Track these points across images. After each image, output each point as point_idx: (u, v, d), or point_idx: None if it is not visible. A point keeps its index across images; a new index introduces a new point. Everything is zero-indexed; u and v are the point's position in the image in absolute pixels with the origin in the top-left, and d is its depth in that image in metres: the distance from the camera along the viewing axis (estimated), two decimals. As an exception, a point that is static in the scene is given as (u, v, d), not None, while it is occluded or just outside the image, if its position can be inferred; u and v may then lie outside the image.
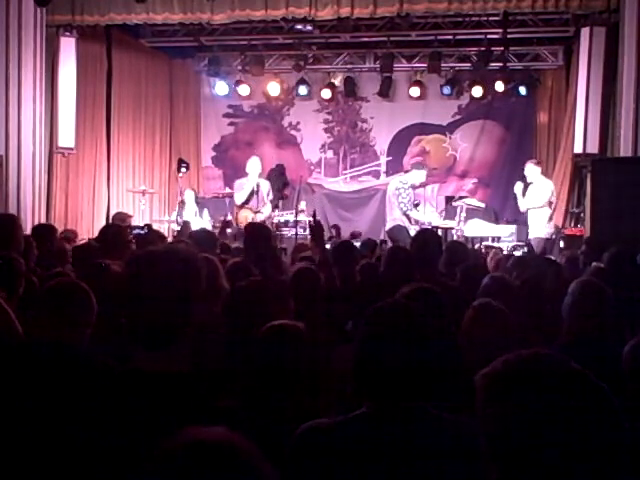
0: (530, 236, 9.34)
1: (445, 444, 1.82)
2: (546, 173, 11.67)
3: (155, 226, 9.42)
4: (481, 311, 2.87)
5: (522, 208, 9.44)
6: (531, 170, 9.45)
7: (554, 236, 9.63)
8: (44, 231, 5.52)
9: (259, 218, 9.42)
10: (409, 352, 1.86)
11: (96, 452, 1.63)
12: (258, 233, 5.08)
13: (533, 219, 9.31)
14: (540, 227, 9.27)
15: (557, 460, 1.17)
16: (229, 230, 10.34)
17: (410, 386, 1.85)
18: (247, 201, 9.63)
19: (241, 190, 9.69)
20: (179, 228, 9.54)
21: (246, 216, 9.62)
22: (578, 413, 1.18)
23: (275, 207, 10.39)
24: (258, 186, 9.64)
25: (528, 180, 9.45)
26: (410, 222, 9.31)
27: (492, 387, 1.25)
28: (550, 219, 9.44)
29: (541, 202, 9.27)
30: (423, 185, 10.77)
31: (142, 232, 6.53)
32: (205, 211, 10.78)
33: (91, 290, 2.91)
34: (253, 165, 9.74)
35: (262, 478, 1.09)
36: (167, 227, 10.52)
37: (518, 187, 9.45)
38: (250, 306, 3.01)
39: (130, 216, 9.31)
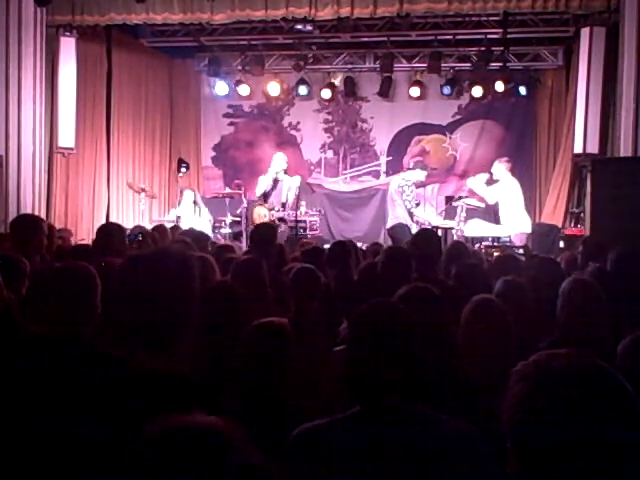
0: (513, 232, 9.51)
1: (439, 444, 1.82)
2: (546, 173, 11.75)
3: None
4: (480, 306, 2.86)
5: (491, 201, 9.75)
6: (499, 168, 9.71)
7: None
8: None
9: (276, 215, 9.40)
10: (397, 352, 1.85)
11: (96, 449, 1.64)
12: (264, 233, 5.11)
13: (514, 216, 9.52)
14: (524, 222, 9.51)
15: (587, 460, 1.18)
16: (228, 230, 10.38)
17: (400, 386, 1.85)
18: (265, 197, 9.62)
19: (259, 184, 9.85)
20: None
21: (259, 214, 9.62)
22: (609, 415, 1.19)
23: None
24: (275, 182, 9.63)
25: (494, 177, 9.72)
26: (412, 220, 9.33)
27: (524, 386, 1.25)
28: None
29: (521, 199, 9.53)
30: (422, 185, 10.81)
31: (134, 239, 6.04)
32: (204, 210, 10.78)
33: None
34: (275, 161, 9.75)
35: (249, 465, 1.10)
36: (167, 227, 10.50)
37: (481, 179, 9.72)
38: (217, 308, 3.00)
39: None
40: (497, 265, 5.00)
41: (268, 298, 3.83)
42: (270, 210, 9.53)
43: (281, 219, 9.65)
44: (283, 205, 9.68)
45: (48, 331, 2.53)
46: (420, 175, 9.60)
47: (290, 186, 9.81)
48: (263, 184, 9.72)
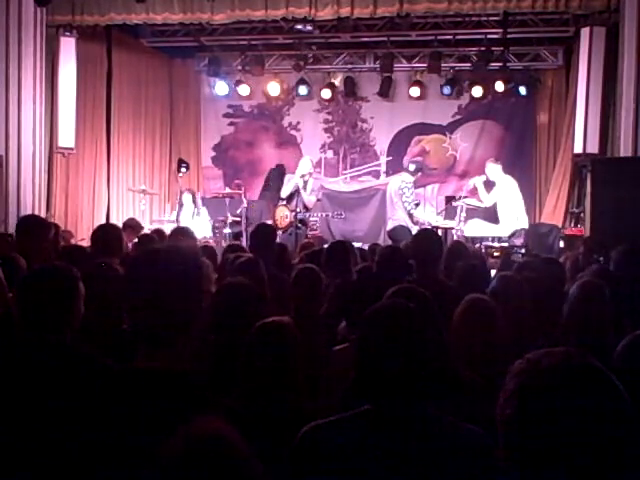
0: (511, 230, 9.55)
1: (448, 445, 1.82)
2: (546, 173, 11.76)
3: (155, 226, 9.37)
4: (470, 306, 2.87)
5: (488, 203, 9.78)
6: (493, 169, 9.73)
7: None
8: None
9: (298, 217, 9.34)
10: (409, 352, 1.86)
11: (97, 450, 1.64)
12: (263, 233, 5.11)
13: (511, 214, 9.54)
14: (521, 220, 9.55)
15: (581, 458, 1.18)
16: (228, 230, 10.38)
17: (411, 386, 1.85)
18: (290, 198, 9.58)
19: (286, 185, 9.76)
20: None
21: (281, 215, 9.57)
22: (595, 412, 1.20)
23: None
24: (302, 184, 9.53)
25: (490, 179, 9.73)
26: (412, 221, 9.33)
27: (515, 383, 1.26)
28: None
29: (519, 196, 9.55)
30: (422, 185, 10.83)
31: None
32: (204, 211, 10.77)
33: (92, 290, 2.90)
34: (301, 164, 9.69)
35: (252, 471, 1.12)
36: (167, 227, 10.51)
37: (479, 180, 9.76)
38: (232, 306, 3.01)
39: (141, 227, 9.14)
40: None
41: (266, 298, 3.82)
42: (292, 212, 9.44)
43: (302, 221, 9.57)
44: (306, 207, 9.58)
45: (33, 336, 2.49)
46: (415, 172, 9.69)
47: (313, 189, 9.71)
48: (290, 186, 9.63)
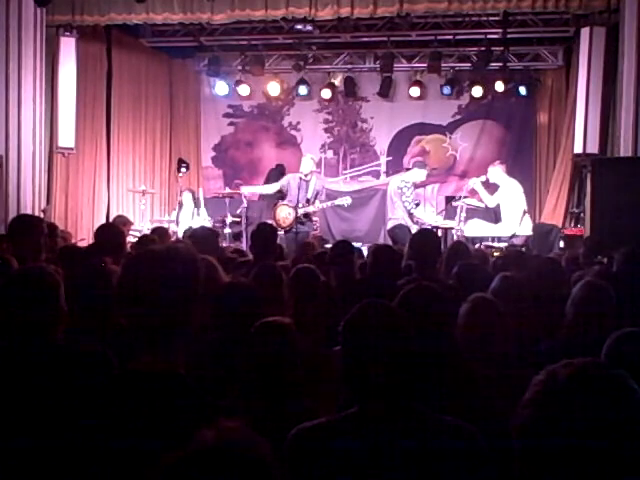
0: (516, 234, 9.50)
1: (437, 444, 1.82)
2: (546, 173, 11.76)
3: (155, 225, 9.36)
4: (477, 305, 2.86)
5: (491, 204, 9.71)
6: (494, 172, 9.67)
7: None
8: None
9: (300, 212, 9.28)
10: (390, 352, 1.85)
11: (95, 452, 1.63)
12: (264, 232, 5.11)
13: (514, 218, 9.49)
14: (524, 225, 9.50)
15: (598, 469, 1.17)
16: (228, 230, 10.38)
17: (396, 386, 1.84)
18: (283, 196, 9.55)
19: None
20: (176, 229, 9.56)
21: (284, 216, 9.50)
22: (619, 424, 1.18)
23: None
24: (305, 182, 9.49)
25: (492, 181, 9.68)
26: (412, 221, 9.31)
27: (534, 395, 1.25)
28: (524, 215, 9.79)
29: (523, 203, 9.50)
30: (422, 185, 10.80)
31: None
32: (203, 211, 10.78)
33: (91, 289, 2.90)
34: (303, 163, 9.64)
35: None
36: (167, 227, 10.50)
37: (477, 182, 9.73)
38: (232, 306, 3.01)
39: (131, 222, 9.16)
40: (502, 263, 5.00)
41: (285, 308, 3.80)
42: (295, 209, 9.37)
43: (306, 215, 9.53)
44: (307, 201, 9.52)
45: (26, 338, 2.45)
46: (419, 174, 9.59)
47: (316, 188, 9.62)
48: (277, 184, 9.64)
